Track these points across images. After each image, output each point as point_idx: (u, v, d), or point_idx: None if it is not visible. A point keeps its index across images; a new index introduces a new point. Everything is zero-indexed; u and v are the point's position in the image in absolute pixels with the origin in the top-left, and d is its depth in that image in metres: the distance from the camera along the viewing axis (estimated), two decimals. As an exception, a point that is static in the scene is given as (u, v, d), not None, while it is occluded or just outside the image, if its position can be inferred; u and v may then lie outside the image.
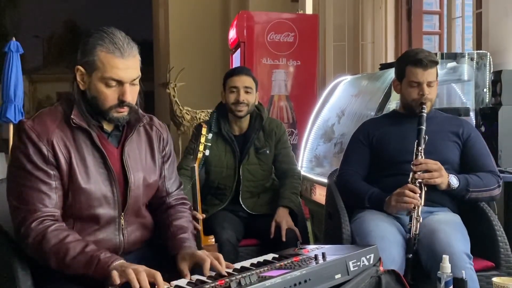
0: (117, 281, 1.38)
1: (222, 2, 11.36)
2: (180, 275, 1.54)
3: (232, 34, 6.22)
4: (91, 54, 1.58)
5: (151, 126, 1.80)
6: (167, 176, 1.83)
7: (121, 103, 1.60)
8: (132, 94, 1.62)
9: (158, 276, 1.40)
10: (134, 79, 1.62)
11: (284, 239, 2.41)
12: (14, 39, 7.15)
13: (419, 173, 2.13)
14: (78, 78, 1.61)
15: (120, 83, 1.59)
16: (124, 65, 1.57)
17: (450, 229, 2.02)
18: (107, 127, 1.68)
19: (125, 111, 1.62)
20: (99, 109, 1.61)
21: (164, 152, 1.82)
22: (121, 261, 1.46)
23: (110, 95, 1.59)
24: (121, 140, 1.70)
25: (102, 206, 1.63)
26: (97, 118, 1.64)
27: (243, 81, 2.65)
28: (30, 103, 23.43)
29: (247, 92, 2.65)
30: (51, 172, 1.56)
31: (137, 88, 1.65)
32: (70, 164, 1.58)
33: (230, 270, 1.53)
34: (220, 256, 1.56)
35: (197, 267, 1.57)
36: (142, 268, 1.41)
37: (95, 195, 1.61)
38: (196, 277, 1.50)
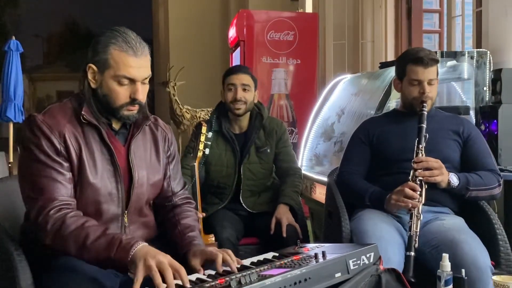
0: (140, 279, 1.37)
1: (222, 1, 11.35)
2: (193, 271, 1.55)
3: (232, 32, 6.22)
4: (104, 53, 1.59)
5: (157, 126, 1.82)
6: (172, 176, 1.85)
7: (133, 101, 1.62)
8: (143, 93, 1.64)
9: (183, 271, 1.40)
10: (146, 78, 1.64)
11: (284, 234, 2.41)
12: (14, 38, 7.14)
13: (419, 171, 2.13)
14: (90, 76, 1.63)
15: (132, 81, 1.61)
16: (137, 63, 1.60)
17: (473, 240, 1.99)
18: (115, 125, 1.70)
19: (135, 109, 1.65)
20: (110, 107, 1.63)
21: (169, 153, 1.84)
22: (143, 244, 1.45)
23: (122, 93, 1.61)
24: (128, 138, 1.71)
25: (107, 202, 1.64)
26: (106, 116, 1.66)
27: (241, 79, 2.66)
28: (30, 102, 23.45)
29: (244, 90, 2.65)
30: (64, 163, 1.57)
31: (147, 87, 1.67)
32: (80, 158, 1.59)
33: (239, 266, 1.53)
34: (230, 251, 1.57)
35: (208, 263, 1.58)
36: (166, 260, 1.40)
37: (101, 191, 1.62)
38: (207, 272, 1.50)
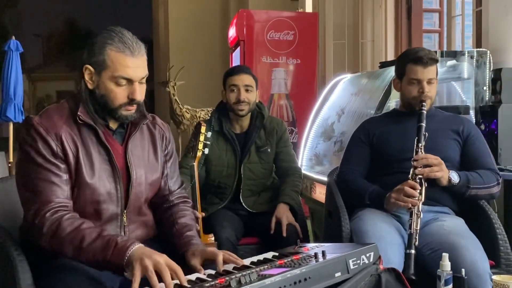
0: (138, 279, 1.37)
1: (222, 1, 11.35)
2: (193, 271, 1.55)
3: (232, 32, 6.22)
4: (100, 53, 1.59)
5: (154, 125, 1.82)
6: (169, 175, 1.85)
7: (131, 101, 1.62)
8: (141, 93, 1.64)
9: (180, 271, 1.40)
10: (143, 78, 1.64)
11: (284, 234, 2.41)
12: (13, 38, 7.14)
13: (419, 168, 2.13)
14: (87, 77, 1.63)
15: (130, 81, 1.61)
16: (134, 63, 1.60)
17: (473, 245, 1.98)
18: (112, 124, 1.70)
19: (133, 109, 1.65)
20: (108, 108, 1.63)
21: (166, 151, 1.84)
22: (139, 246, 1.46)
23: (119, 94, 1.61)
24: (125, 138, 1.72)
25: (106, 202, 1.64)
26: (103, 116, 1.66)
27: (243, 79, 2.65)
28: (30, 102, 23.41)
29: (247, 91, 2.65)
30: (61, 165, 1.58)
31: (145, 86, 1.67)
32: (77, 159, 1.60)
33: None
34: (230, 253, 1.58)
35: (208, 263, 1.59)
36: (163, 260, 1.41)
37: (100, 191, 1.62)
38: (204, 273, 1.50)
